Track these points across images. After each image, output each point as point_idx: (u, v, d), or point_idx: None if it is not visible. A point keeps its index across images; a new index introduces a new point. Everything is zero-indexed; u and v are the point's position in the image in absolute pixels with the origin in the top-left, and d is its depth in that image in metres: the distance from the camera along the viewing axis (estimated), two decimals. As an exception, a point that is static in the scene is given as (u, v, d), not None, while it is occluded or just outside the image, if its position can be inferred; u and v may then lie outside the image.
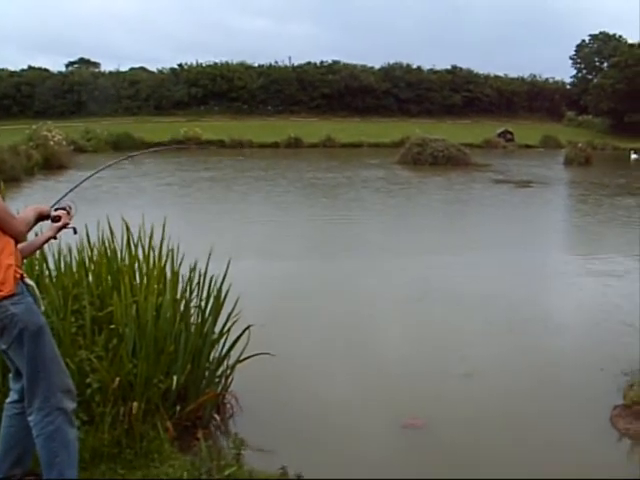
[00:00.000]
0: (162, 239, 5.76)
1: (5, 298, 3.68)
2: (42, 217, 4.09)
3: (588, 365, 7.09)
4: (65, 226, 4.22)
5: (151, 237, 5.81)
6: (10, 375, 4.08)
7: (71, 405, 3.90)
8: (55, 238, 4.32)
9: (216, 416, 5.37)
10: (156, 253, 5.75)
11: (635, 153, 42.36)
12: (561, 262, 12.43)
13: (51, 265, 5.92)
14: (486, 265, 11.80)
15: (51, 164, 28.81)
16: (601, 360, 7.09)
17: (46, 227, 4.22)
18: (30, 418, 3.82)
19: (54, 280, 5.69)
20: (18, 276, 3.80)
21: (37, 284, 5.50)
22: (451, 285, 10.35)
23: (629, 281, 10.60)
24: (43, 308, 4.17)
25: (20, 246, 3.97)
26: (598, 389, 6.44)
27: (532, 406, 6.16)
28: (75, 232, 4.38)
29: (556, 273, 11.52)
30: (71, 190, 4.52)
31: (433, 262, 11.96)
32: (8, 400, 4.05)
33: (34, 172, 26.60)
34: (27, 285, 3.89)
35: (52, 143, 30.52)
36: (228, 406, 5.65)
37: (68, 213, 4.23)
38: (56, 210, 4.19)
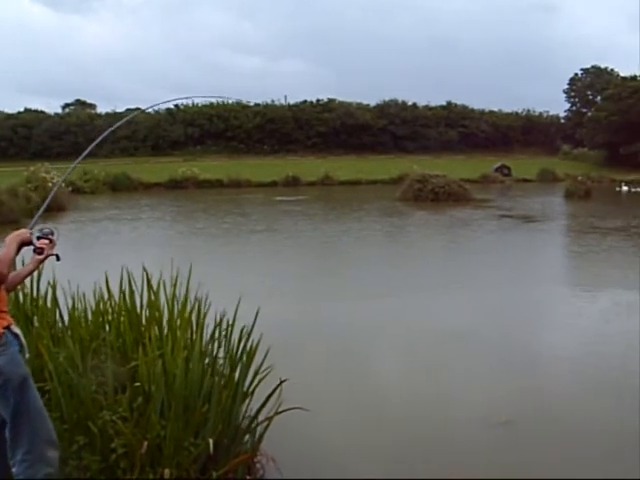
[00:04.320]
0: (187, 287, 5.42)
1: None
2: (23, 244, 3.94)
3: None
4: (49, 256, 4.08)
5: (175, 285, 5.46)
6: None
7: (55, 455, 3.84)
8: (38, 269, 4.30)
9: (247, 477, 4.96)
10: (180, 302, 5.39)
11: (625, 185, 44.33)
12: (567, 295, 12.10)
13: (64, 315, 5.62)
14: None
15: (50, 206, 28.27)
16: None
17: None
18: (13, 470, 3.74)
19: (69, 332, 5.34)
20: (5, 324, 3.75)
21: (52, 336, 5.19)
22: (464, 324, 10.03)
23: None
24: (28, 355, 4.04)
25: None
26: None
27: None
28: (58, 259, 4.19)
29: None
30: (42, 210, 4.35)
31: (449, 300, 11.65)
32: None
33: (33, 214, 26.15)
34: (13, 334, 3.81)
35: (50, 185, 30.20)
36: (258, 466, 5.23)
37: (51, 241, 4.07)
38: (38, 239, 4.02)
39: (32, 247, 4.01)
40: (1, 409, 3.75)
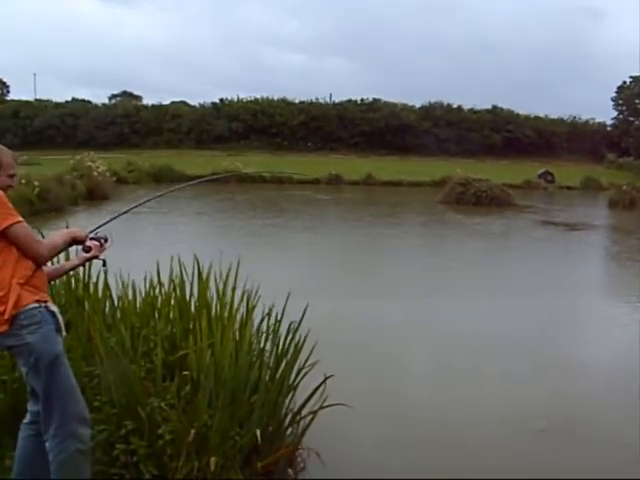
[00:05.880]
0: (236, 279, 5.48)
1: (23, 327, 3.72)
2: (77, 242, 4.14)
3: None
4: (94, 258, 4.23)
5: (227, 277, 5.51)
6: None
7: (86, 432, 3.94)
8: (83, 265, 4.44)
9: (290, 470, 5.00)
10: (229, 294, 5.44)
11: None
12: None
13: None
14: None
15: (94, 194, 28.81)
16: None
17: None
18: (47, 444, 3.87)
19: (119, 317, 5.44)
20: (41, 300, 3.83)
21: (103, 321, 5.28)
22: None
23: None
24: (65, 334, 4.09)
25: (47, 270, 4.07)
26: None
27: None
28: (104, 265, 4.40)
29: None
30: (112, 219, 4.47)
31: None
32: (24, 421, 4.08)
33: (78, 202, 26.65)
34: (50, 312, 3.89)
35: (96, 174, 30.55)
36: (299, 459, 5.27)
37: (101, 245, 4.22)
38: (92, 239, 4.19)
39: (82, 246, 4.18)
40: (35, 385, 3.86)
